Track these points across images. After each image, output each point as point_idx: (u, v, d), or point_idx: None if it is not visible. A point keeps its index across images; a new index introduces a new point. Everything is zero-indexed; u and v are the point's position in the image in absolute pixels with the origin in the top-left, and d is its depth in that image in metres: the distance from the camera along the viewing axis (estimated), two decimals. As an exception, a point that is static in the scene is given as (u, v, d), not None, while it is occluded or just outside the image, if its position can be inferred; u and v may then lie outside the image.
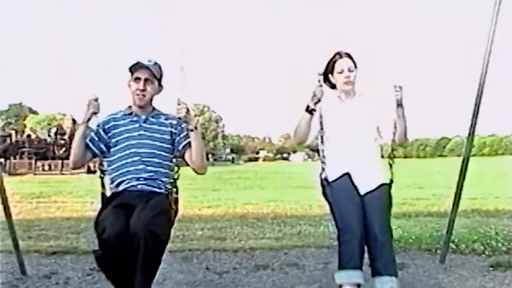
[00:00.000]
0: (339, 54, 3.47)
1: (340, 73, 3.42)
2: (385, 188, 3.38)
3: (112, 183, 3.20)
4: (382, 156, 3.54)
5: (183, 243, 5.86)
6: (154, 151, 3.18)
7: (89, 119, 3.20)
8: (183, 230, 6.95)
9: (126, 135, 3.20)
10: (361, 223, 3.13)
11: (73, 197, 16.08)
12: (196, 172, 3.28)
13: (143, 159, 3.14)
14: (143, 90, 3.21)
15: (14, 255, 4.30)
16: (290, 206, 11.39)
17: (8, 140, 51.57)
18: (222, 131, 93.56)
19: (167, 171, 3.21)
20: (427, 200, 11.95)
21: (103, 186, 3.21)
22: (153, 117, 3.30)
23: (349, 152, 3.36)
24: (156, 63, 3.28)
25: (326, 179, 3.39)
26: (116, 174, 3.16)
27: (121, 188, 3.13)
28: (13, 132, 55.04)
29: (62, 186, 22.96)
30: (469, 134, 4.03)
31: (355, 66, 3.45)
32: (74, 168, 3.44)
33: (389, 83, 3.38)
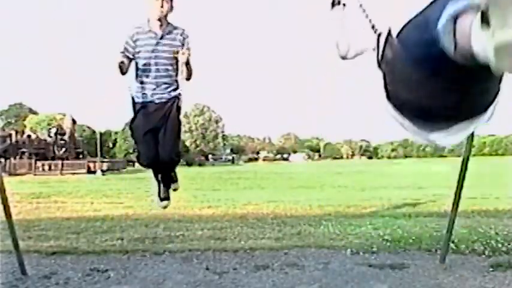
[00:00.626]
0: None
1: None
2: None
3: (136, 88, 3.84)
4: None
5: (183, 243, 5.86)
6: (167, 66, 3.76)
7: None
8: (183, 230, 6.96)
9: (144, 48, 3.72)
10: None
11: (73, 197, 16.06)
12: None
13: (157, 73, 3.75)
14: (163, 6, 3.65)
15: (14, 255, 4.30)
16: (290, 206, 11.38)
17: (8, 140, 51.50)
18: (222, 131, 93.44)
19: (175, 80, 3.86)
20: (427, 200, 11.95)
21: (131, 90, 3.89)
22: (168, 33, 3.74)
23: None
24: None
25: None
26: (139, 81, 3.80)
27: (141, 95, 3.83)
28: (13, 133, 54.96)
29: (61, 187, 22.92)
30: (469, 134, 4.03)
31: None
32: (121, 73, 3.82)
33: None
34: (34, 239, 6.53)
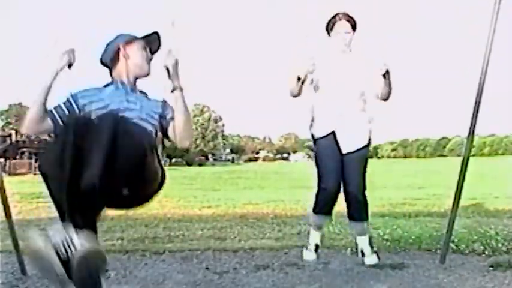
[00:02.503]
0: (337, 15, 3.71)
1: (337, 34, 3.70)
2: (366, 150, 3.79)
3: None
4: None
5: (183, 243, 5.86)
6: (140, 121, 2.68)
7: (61, 69, 2.70)
8: (183, 230, 6.95)
9: (112, 107, 2.66)
10: (339, 180, 3.69)
11: (73, 197, 16.04)
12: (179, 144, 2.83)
13: None
14: (151, 60, 2.92)
15: (14, 255, 4.29)
16: (290, 206, 11.36)
17: (8, 140, 51.50)
18: (222, 131, 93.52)
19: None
20: (427, 200, 11.94)
21: None
22: (140, 92, 2.91)
23: (335, 111, 3.67)
24: None
25: (313, 136, 3.79)
26: None
27: None
28: (13, 132, 54.95)
29: (61, 186, 22.87)
30: (469, 134, 4.03)
31: (354, 28, 3.71)
32: (26, 134, 2.98)
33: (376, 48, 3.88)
34: (34, 239, 6.52)
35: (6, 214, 4.09)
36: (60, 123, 2.62)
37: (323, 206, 3.78)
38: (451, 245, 4.81)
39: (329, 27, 3.77)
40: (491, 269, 4.32)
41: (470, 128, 4.00)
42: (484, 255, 4.82)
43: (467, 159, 4.08)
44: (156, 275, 4.28)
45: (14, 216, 4.26)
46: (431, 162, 65.77)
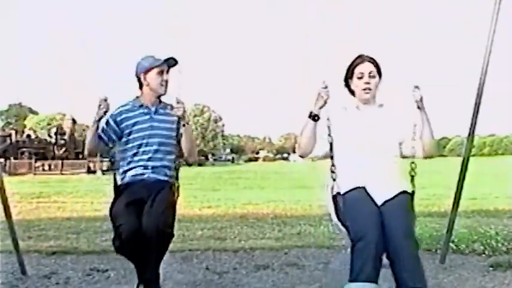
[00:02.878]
0: (360, 57, 3.20)
1: (359, 78, 3.15)
2: (407, 196, 3.02)
3: (122, 171, 3.48)
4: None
5: (183, 243, 5.86)
6: (164, 140, 3.43)
7: (101, 117, 3.35)
8: (183, 230, 6.95)
9: (138, 126, 3.42)
10: (379, 231, 2.72)
11: (73, 197, 16.08)
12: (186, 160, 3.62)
13: (152, 149, 3.40)
14: (167, 81, 3.48)
15: (14, 256, 4.29)
16: (290, 206, 11.39)
17: (8, 140, 51.55)
18: (222, 131, 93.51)
19: (172, 159, 3.44)
20: (427, 200, 11.94)
21: (115, 174, 3.51)
22: (161, 108, 3.53)
23: (365, 166, 3.04)
24: None
25: (338, 193, 3.06)
26: (126, 163, 3.45)
27: (128, 176, 3.42)
28: (13, 132, 55.01)
29: (61, 186, 22.95)
30: (469, 134, 4.02)
31: (379, 73, 3.17)
32: (89, 156, 3.76)
33: (405, 91, 3.13)
34: (34, 239, 6.53)
35: (6, 214, 4.09)
36: (108, 141, 3.48)
37: (363, 265, 2.68)
38: (451, 245, 4.81)
39: (350, 70, 3.23)
40: (491, 269, 4.32)
41: (470, 128, 3.99)
42: (484, 255, 4.82)
43: (467, 159, 4.08)
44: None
45: (14, 216, 4.26)
46: (432, 162, 65.64)
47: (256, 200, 13.33)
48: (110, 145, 3.52)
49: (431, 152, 3.18)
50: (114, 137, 3.47)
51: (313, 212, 9.99)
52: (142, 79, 3.48)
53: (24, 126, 66.69)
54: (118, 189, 3.41)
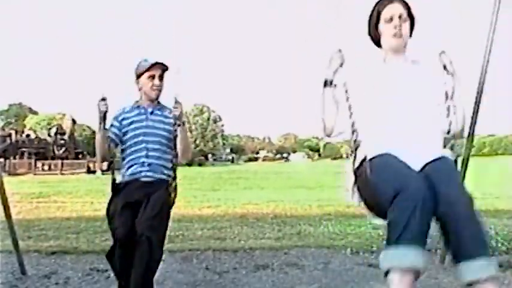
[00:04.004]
0: None
1: (388, 22, 2.63)
2: (450, 160, 2.45)
3: (121, 171, 3.52)
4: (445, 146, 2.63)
5: (182, 243, 5.87)
6: (160, 140, 3.45)
7: (103, 118, 3.37)
8: (182, 230, 6.96)
9: (134, 125, 3.48)
10: (425, 184, 2.13)
11: (73, 197, 16.07)
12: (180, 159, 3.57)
13: (148, 147, 3.42)
14: (159, 85, 3.50)
15: (14, 255, 4.30)
16: (290, 206, 11.39)
17: (8, 140, 51.54)
18: (222, 131, 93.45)
19: (169, 159, 3.46)
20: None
21: (113, 172, 3.49)
22: (158, 109, 3.56)
23: (396, 128, 2.49)
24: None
25: (364, 159, 2.42)
26: (125, 162, 3.49)
27: (126, 175, 3.44)
28: (13, 132, 55.00)
29: (61, 186, 22.94)
30: (469, 134, 4.02)
31: (410, 17, 2.66)
32: (102, 161, 3.74)
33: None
34: (34, 239, 6.54)
35: (6, 214, 4.09)
36: (117, 140, 3.51)
37: (408, 220, 2.02)
38: (451, 245, 4.80)
39: (374, 14, 2.72)
40: (491, 269, 4.32)
41: (470, 128, 3.99)
42: (484, 255, 4.82)
43: (467, 159, 4.08)
44: (156, 275, 4.27)
45: (13, 216, 4.26)
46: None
47: (256, 200, 13.33)
48: (118, 144, 3.56)
49: (458, 130, 2.60)
50: (121, 135, 3.52)
51: (313, 212, 10.01)
52: (136, 83, 3.56)
53: (24, 126, 66.72)
54: (116, 189, 3.43)
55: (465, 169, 4.08)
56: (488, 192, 13.53)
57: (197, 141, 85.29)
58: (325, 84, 2.69)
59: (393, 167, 2.27)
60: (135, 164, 3.41)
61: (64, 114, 65.26)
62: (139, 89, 3.55)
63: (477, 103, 3.91)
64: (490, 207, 9.93)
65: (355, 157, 2.54)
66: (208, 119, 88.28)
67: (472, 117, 3.97)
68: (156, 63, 3.47)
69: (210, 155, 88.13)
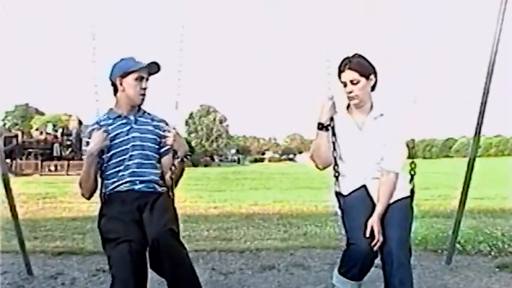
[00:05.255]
0: (343, 63, 3.01)
1: (344, 86, 3.00)
2: (406, 201, 3.01)
3: (108, 185, 3.19)
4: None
5: (188, 243, 5.81)
6: (147, 152, 3.10)
7: (96, 150, 3.03)
8: (188, 231, 6.96)
9: (118, 140, 3.07)
10: (372, 239, 2.78)
11: (79, 198, 15.90)
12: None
13: (136, 161, 3.06)
14: (145, 89, 3.12)
15: (20, 256, 4.32)
16: (296, 206, 11.39)
17: (15, 141, 51.73)
18: (227, 132, 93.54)
19: (157, 170, 3.14)
20: (433, 201, 11.91)
21: (101, 187, 3.25)
22: (140, 117, 3.17)
23: (364, 171, 3.02)
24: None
25: (340, 193, 3.10)
26: (111, 176, 3.13)
27: (116, 190, 3.14)
28: (19, 133, 55.24)
29: (68, 187, 22.93)
30: (475, 135, 4.01)
31: (365, 75, 2.96)
32: (90, 197, 3.43)
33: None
34: (40, 239, 6.56)
35: (12, 214, 4.11)
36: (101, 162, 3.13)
37: (350, 267, 2.86)
38: (457, 245, 4.79)
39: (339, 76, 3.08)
40: (497, 270, 4.31)
41: (477, 128, 3.99)
42: (490, 256, 4.81)
43: (474, 160, 4.07)
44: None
45: (20, 217, 4.28)
46: (437, 163, 65.52)
47: (262, 200, 13.32)
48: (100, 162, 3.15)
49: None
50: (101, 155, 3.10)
51: (319, 213, 10.00)
52: (118, 83, 3.09)
53: (31, 127, 67.00)
54: (105, 203, 3.25)
55: (471, 170, 4.07)
56: (494, 193, 13.49)
57: (203, 142, 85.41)
58: (320, 127, 3.05)
59: (355, 215, 2.92)
60: (125, 181, 3.07)
61: (70, 115, 65.53)
62: (121, 91, 3.10)
63: (483, 104, 3.90)
64: (496, 207, 9.90)
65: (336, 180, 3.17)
66: (214, 119, 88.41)
67: (479, 118, 3.96)
68: (153, 63, 3.12)
69: (215, 156, 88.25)
